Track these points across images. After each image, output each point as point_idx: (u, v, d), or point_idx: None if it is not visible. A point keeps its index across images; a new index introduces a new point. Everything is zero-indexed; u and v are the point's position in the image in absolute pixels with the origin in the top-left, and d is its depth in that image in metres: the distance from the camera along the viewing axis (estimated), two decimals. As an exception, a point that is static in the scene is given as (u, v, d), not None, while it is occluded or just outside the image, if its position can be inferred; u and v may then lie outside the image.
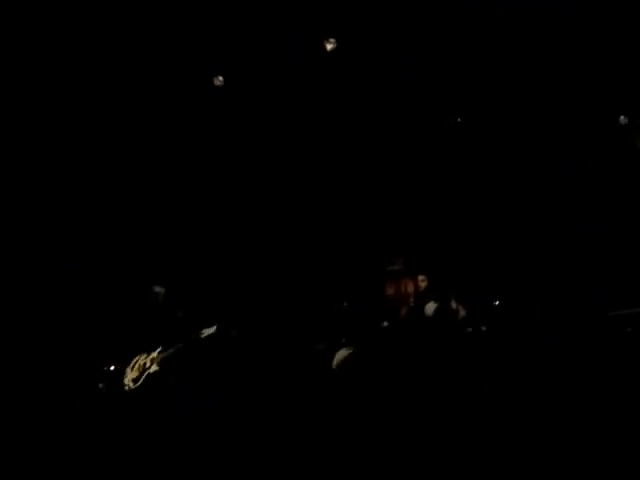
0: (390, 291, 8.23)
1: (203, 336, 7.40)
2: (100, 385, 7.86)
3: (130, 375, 7.71)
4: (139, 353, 7.69)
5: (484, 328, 7.30)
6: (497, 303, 7.87)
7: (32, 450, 5.55)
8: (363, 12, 8.09)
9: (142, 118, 8.86)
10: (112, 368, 7.84)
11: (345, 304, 8.11)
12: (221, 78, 9.20)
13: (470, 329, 7.33)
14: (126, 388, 7.68)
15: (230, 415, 6.22)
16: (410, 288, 8.14)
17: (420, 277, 8.09)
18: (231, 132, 9.27)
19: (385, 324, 7.81)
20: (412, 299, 8.03)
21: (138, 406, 7.40)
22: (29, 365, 8.02)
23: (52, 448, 5.64)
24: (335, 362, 7.69)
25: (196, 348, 7.48)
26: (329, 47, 8.80)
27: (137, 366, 7.71)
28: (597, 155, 8.39)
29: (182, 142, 9.19)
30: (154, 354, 7.70)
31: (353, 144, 9.14)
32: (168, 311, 7.88)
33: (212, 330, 7.40)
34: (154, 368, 7.59)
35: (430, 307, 7.85)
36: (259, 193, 9.41)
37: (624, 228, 8.12)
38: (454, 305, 7.66)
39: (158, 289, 7.89)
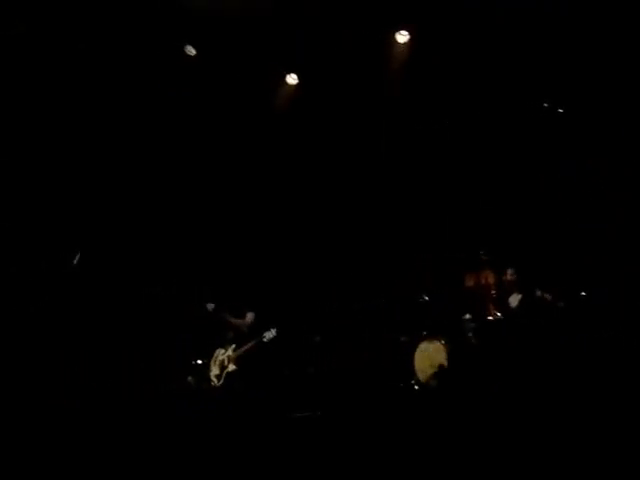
0: (470, 283, 8.10)
1: (265, 339, 7.70)
2: (189, 378, 8.05)
3: (214, 371, 7.98)
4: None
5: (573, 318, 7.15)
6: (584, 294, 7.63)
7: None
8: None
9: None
10: (199, 362, 8.04)
11: (426, 297, 8.01)
12: (295, 76, 9.29)
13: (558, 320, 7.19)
14: (212, 384, 7.93)
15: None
16: (491, 279, 7.99)
17: (509, 271, 7.92)
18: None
19: (467, 317, 7.70)
20: (494, 291, 7.87)
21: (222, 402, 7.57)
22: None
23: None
24: (417, 354, 7.71)
25: (262, 349, 7.71)
26: (402, 40, 8.77)
27: (218, 362, 7.98)
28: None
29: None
30: (230, 351, 7.94)
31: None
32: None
33: (273, 334, 7.69)
34: (232, 367, 7.81)
35: (514, 298, 7.70)
36: (324, 192, 9.50)
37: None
38: (539, 295, 7.48)
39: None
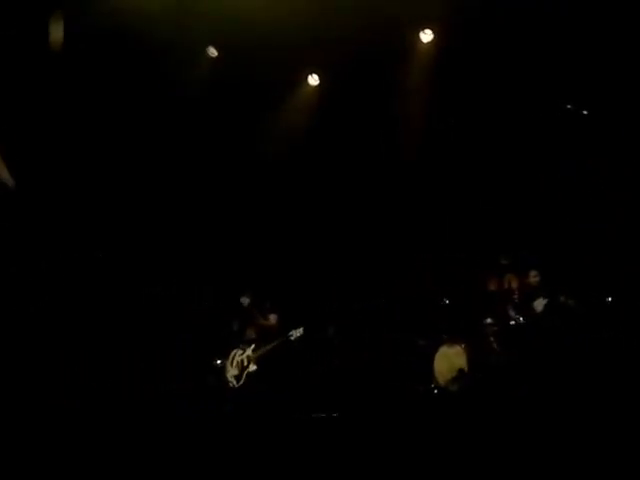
0: (493, 287, 7.97)
1: (292, 338, 7.64)
2: (209, 379, 8.00)
3: (231, 371, 7.89)
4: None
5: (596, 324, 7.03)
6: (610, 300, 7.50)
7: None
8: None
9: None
10: (219, 362, 8.00)
11: (447, 300, 7.92)
12: (316, 76, 9.30)
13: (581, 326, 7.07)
14: (230, 385, 7.85)
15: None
16: (514, 283, 7.87)
17: (532, 273, 7.80)
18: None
19: (488, 321, 7.58)
20: (516, 295, 7.75)
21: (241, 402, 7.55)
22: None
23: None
24: (437, 357, 7.62)
25: (287, 348, 7.63)
26: (425, 39, 8.74)
27: (235, 363, 7.89)
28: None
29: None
30: (249, 351, 7.86)
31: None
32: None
33: (300, 332, 7.62)
34: (253, 367, 7.74)
35: (539, 303, 7.56)
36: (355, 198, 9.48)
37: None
38: (564, 300, 7.35)
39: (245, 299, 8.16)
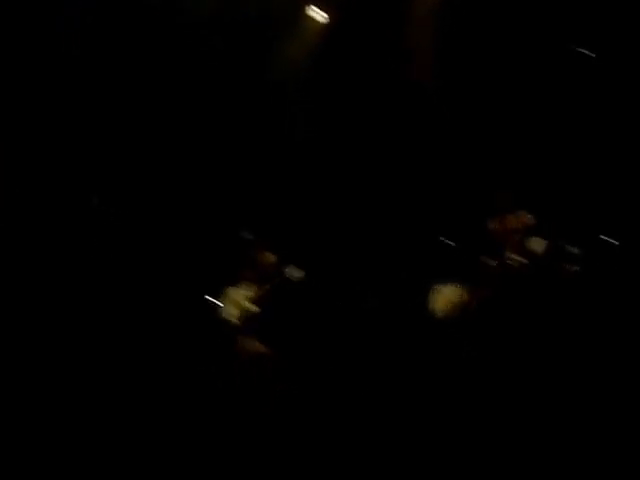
0: (494, 227, 7.89)
1: (292, 278, 7.42)
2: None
3: (228, 309, 7.74)
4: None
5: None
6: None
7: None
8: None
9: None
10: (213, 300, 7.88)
11: (445, 240, 7.88)
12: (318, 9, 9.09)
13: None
14: (230, 321, 7.76)
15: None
16: (515, 224, 7.78)
17: (522, 212, 7.72)
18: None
19: (487, 261, 7.54)
20: (517, 236, 7.68)
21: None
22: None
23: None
24: (431, 294, 7.62)
25: (288, 290, 7.46)
26: None
27: (233, 301, 7.74)
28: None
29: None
30: (247, 291, 7.72)
31: None
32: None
33: (299, 273, 7.43)
34: (254, 308, 7.62)
35: (537, 243, 7.50)
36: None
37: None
38: (563, 245, 7.31)
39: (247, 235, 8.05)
